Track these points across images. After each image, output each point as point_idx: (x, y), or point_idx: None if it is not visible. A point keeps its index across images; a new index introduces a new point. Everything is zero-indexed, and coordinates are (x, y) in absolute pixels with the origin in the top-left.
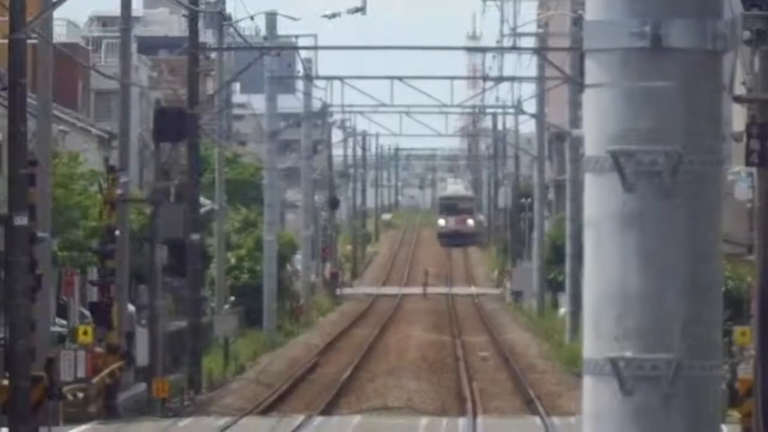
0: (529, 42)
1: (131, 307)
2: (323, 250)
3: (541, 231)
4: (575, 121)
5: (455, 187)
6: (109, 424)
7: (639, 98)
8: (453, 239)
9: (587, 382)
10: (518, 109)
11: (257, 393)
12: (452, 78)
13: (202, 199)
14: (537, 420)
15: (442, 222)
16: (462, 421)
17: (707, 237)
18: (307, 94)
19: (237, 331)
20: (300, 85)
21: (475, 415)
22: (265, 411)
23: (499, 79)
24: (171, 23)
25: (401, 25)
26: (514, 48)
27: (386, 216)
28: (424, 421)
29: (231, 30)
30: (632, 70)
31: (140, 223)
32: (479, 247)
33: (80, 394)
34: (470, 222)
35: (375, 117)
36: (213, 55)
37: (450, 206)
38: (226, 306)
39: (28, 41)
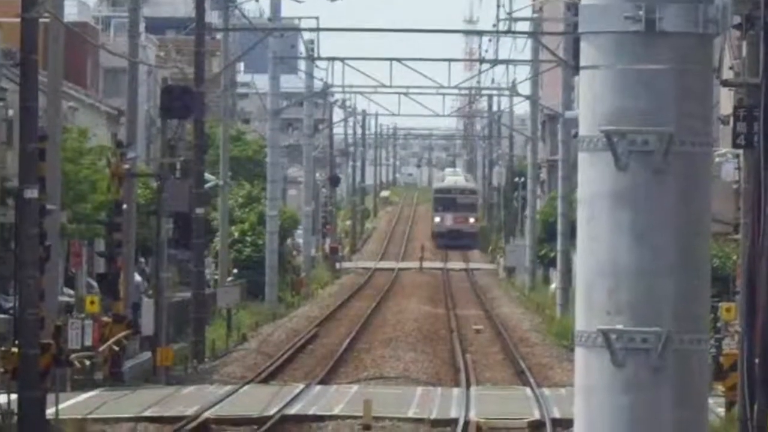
0: (524, 26)
1: (138, 278)
2: (323, 226)
3: (533, 209)
4: (568, 103)
5: (454, 177)
6: (114, 390)
7: (632, 80)
8: (450, 240)
9: (579, 353)
10: (513, 91)
11: (258, 362)
12: (450, 60)
13: (207, 175)
14: (528, 391)
15: (437, 219)
16: (456, 391)
17: (696, 215)
18: (309, 75)
19: (239, 303)
20: (302, 65)
21: (468, 385)
22: (266, 379)
23: (495, 62)
24: (178, 4)
25: (401, 8)
26: (510, 32)
27: (384, 193)
28: (419, 390)
29: (236, 11)
30: (626, 53)
31: (146, 197)
32: (481, 251)
33: (87, 362)
34: (471, 220)
35: (374, 97)
36: (218, 35)
37: (447, 201)
38: (229, 278)
39: (40, 20)
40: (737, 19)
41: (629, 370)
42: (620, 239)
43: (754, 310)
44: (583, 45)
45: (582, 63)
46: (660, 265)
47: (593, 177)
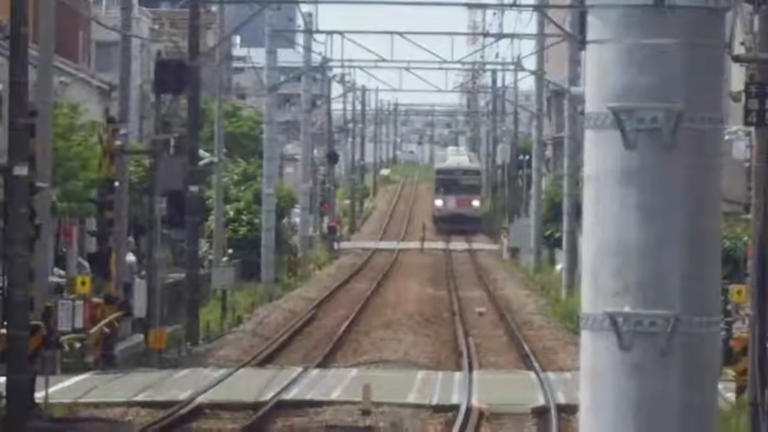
0: None
1: (131, 258)
2: (321, 204)
3: (538, 188)
4: (574, 78)
5: (457, 157)
6: (106, 374)
7: (641, 55)
8: (453, 224)
9: (585, 336)
10: (518, 66)
11: (254, 345)
12: (453, 34)
13: (202, 152)
14: (532, 375)
15: (439, 203)
16: (458, 375)
17: (706, 194)
18: (307, 49)
19: (234, 284)
20: (300, 39)
21: (471, 369)
22: (262, 363)
23: (499, 36)
24: None
25: None
26: (515, 5)
27: (384, 171)
28: (420, 374)
29: None
30: (634, 27)
31: (139, 174)
32: (486, 236)
33: (78, 344)
34: (475, 203)
35: (375, 72)
36: (214, 8)
37: (449, 182)
38: (224, 258)
39: None
40: None
41: (636, 354)
42: (627, 219)
43: (765, 293)
44: (590, 18)
45: (589, 37)
46: (668, 246)
47: (600, 155)
